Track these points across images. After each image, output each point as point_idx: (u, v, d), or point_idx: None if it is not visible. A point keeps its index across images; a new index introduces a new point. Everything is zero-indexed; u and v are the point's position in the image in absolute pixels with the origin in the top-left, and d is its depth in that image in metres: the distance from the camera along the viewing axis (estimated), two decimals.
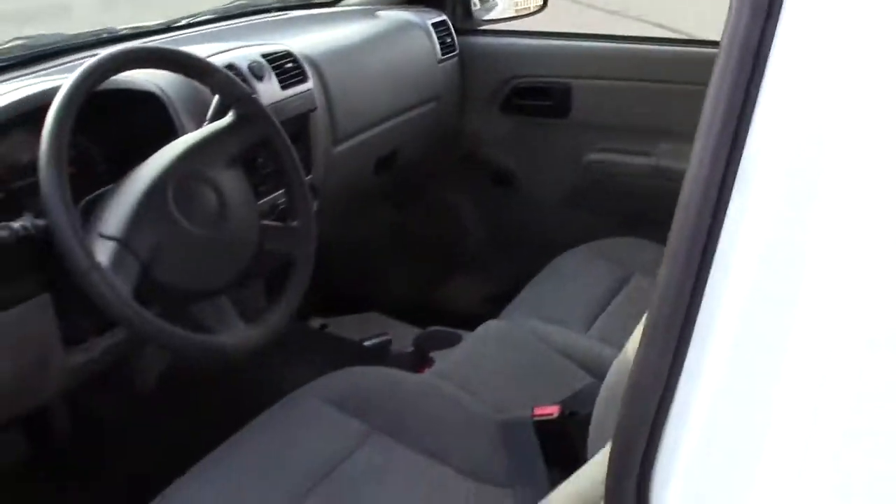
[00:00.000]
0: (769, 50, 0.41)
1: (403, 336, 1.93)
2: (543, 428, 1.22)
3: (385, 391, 1.30)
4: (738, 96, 0.42)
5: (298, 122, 1.54)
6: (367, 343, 1.92)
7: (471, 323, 1.60)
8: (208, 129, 1.21)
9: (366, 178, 1.86)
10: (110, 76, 1.10)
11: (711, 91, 0.43)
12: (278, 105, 1.46)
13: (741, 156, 0.42)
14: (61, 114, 1.00)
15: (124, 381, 1.63)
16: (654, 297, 0.45)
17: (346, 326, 2.14)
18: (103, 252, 1.01)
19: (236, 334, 1.14)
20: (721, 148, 0.42)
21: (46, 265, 1.06)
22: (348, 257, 2.21)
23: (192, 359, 1.53)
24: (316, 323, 2.17)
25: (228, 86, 1.23)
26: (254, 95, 1.26)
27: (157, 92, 1.29)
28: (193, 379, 1.70)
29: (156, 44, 1.50)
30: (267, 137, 1.26)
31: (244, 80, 1.40)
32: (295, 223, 1.29)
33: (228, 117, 1.23)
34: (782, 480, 0.40)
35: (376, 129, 1.81)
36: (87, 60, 1.08)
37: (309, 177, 1.58)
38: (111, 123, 1.25)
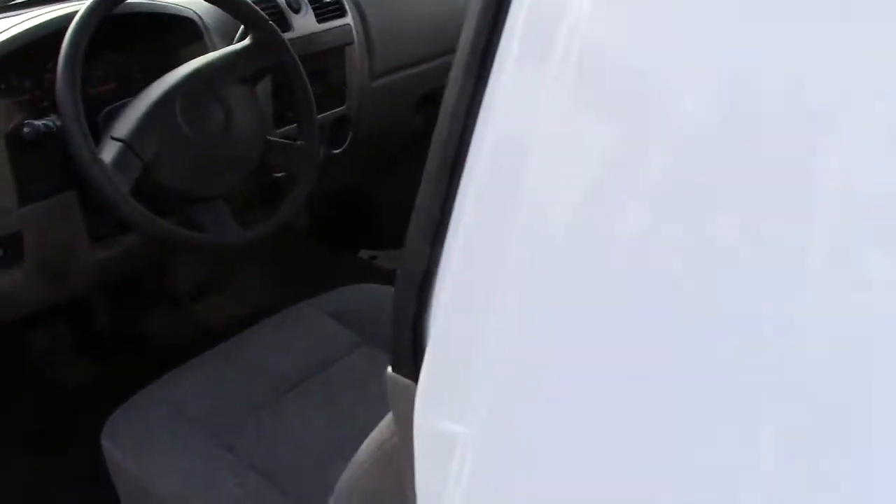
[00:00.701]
0: None
1: None
2: None
3: (382, 306, 1.38)
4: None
5: (333, 54, 1.61)
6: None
7: None
8: (224, 50, 1.30)
9: (408, 115, 1.91)
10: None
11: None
12: (313, 37, 1.54)
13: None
14: (80, 23, 1.11)
15: (164, 285, 1.77)
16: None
17: (395, 259, 2.24)
18: (109, 151, 1.13)
19: (224, 235, 1.24)
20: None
21: (71, 164, 1.19)
22: (396, 194, 2.28)
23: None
24: (366, 255, 2.28)
25: (247, 11, 1.32)
26: (270, 22, 1.34)
27: (195, 18, 1.39)
28: (230, 292, 1.83)
29: None
30: (280, 62, 1.34)
31: (280, 12, 1.49)
32: (299, 142, 1.37)
33: (245, 41, 1.32)
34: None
35: (419, 68, 1.85)
36: None
37: (343, 107, 1.66)
38: (153, 46, 1.37)
